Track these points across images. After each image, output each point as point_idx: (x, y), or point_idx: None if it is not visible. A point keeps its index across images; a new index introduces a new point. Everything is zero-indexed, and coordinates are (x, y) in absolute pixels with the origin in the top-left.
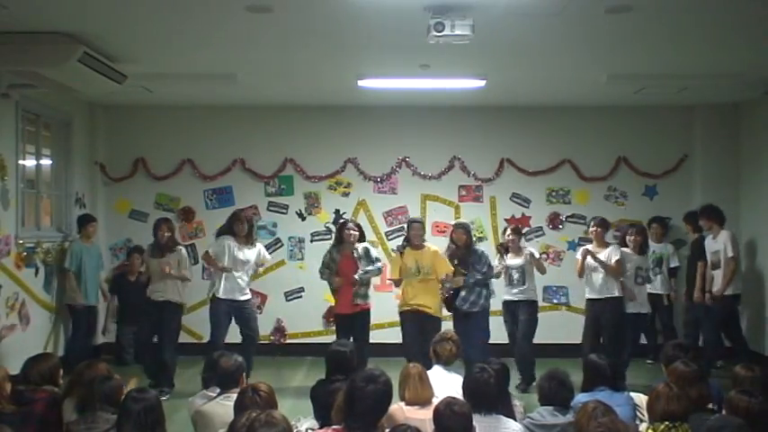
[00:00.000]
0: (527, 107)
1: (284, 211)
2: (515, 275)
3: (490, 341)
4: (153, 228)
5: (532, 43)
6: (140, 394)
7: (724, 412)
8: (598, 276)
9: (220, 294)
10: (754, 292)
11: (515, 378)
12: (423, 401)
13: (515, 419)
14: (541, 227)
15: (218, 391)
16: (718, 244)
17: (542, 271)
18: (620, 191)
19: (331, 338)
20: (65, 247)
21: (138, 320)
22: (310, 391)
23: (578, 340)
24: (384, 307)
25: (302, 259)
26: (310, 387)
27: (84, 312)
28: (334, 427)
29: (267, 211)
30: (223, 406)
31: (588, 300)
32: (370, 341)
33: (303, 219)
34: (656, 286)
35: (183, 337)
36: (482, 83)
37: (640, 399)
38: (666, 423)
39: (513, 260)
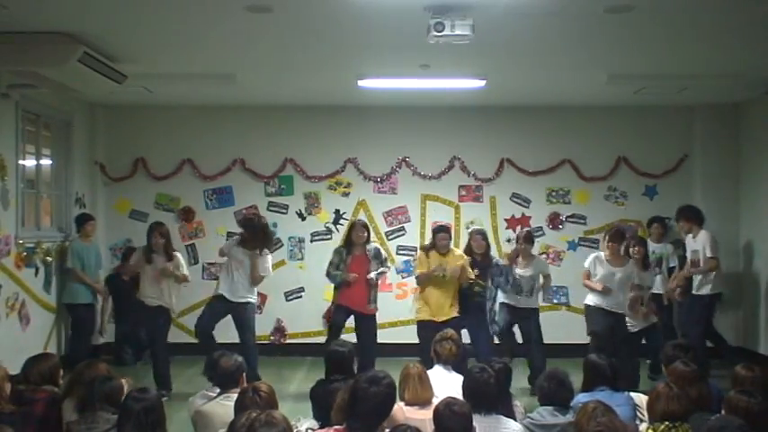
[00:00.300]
0: (527, 107)
1: (284, 211)
2: (525, 287)
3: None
4: (147, 232)
5: (532, 43)
6: (141, 394)
7: (723, 412)
8: (618, 294)
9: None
10: (752, 290)
11: (517, 379)
12: (423, 402)
13: (515, 419)
14: (541, 227)
15: (217, 391)
16: (697, 244)
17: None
18: (620, 191)
19: None
20: (65, 246)
21: (131, 317)
22: (310, 391)
23: (578, 340)
24: (384, 307)
25: (302, 259)
26: (310, 387)
27: (84, 311)
28: (335, 427)
29: (267, 211)
30: (223, 406)
31: (600, 308)
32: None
33: (303, 219)
34: (656, 286)
35: (183, 338)
36: (482, 83)
37: (640, 399)
38: (666, 423)
39: (523, 270)
